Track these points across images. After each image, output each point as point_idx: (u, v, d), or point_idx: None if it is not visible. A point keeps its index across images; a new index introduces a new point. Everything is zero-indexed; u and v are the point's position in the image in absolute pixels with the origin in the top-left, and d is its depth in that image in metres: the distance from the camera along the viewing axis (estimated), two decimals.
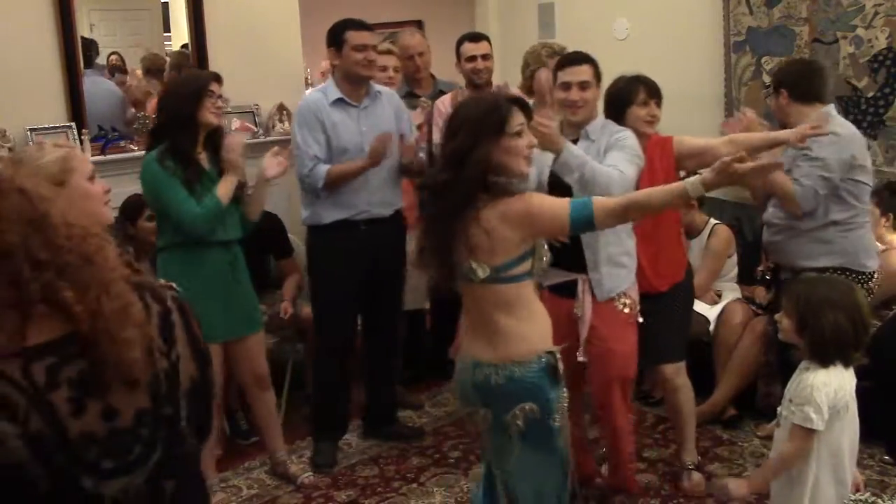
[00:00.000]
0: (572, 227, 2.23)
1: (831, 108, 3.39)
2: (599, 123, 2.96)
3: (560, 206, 2.21)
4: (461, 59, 4.05)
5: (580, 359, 2.92)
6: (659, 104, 3.10)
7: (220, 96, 3.09)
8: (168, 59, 4.63)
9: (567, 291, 2.94)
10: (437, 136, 3.92)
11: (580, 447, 3.19)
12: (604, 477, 3.29)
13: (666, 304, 3.13)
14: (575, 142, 2.86)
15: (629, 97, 3.06)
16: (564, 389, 2.30)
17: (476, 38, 4.12)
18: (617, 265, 2.92)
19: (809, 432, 2.24)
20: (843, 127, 3.33)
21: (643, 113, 3.06)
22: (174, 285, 1.38)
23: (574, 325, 2.93)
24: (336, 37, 3.45)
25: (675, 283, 3.17)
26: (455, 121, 2.29)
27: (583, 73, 2.92)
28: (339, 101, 3.45)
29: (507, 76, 4.31)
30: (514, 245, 2.20)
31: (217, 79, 3.10)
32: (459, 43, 4.09)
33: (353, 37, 3.41)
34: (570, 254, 2.86)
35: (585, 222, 2.20)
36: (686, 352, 3.26)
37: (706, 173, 2.22)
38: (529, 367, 2.22)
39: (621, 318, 2.93)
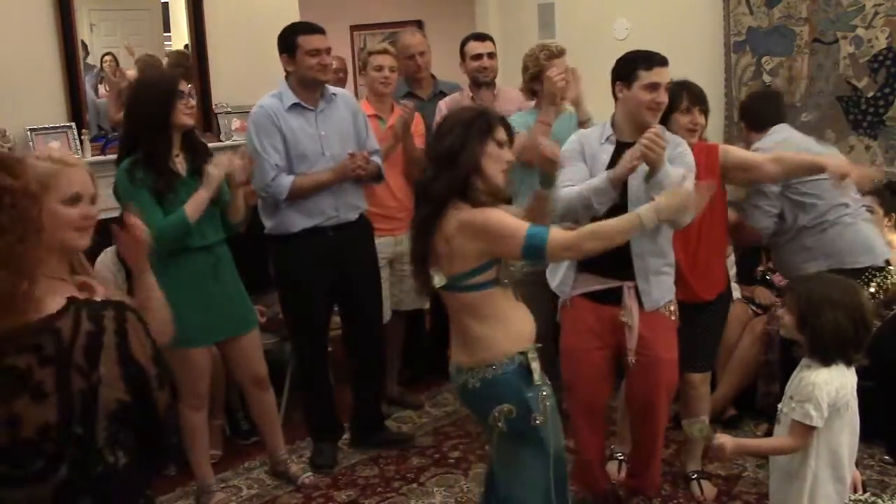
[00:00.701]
0: (524, 254, 2.24)
1: (783, 128, 3.39)
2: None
3: (517, 229, 2.22)
4: (466, 58, 4.04)
5: (631, 360, 2.88)
6: (703, 111, 3.04)
7: (189, 94, 3.02)
8: (167, 58, 4.62)
9: (608, 298, 2.88)
10: None
11: (601, 461, 3.18)
12: (620, 480, 3.29)
13: (709, 314, 3.10)
14: (627, 146, 2.77)
15: (672, 103, 2.94)
16: (545, 388, 2.30)
17: (481, 37, 4.11)
18: (662, 274, 2.88)
19: (808, 429, 2.24)
20: (770, 139, 3.34)
21: (686, 121, 2.99)
22: (126, 301, 1.39)
23: (616, 331, 2.88)
24: (287, 42, 3.40)
25: (719, 292, 3.13)
26: (445, 125, 2.36)
27: (668, 74, 2.81)
28: (295, 106, 3.39)
29: (506, 77, 4.30)
30: (472, 257, 2.23)
31: (184, 76, 3.03)
32: (464, 42, 4.07)
33: (306, 41, 3.35)
34: (611, 261, 2.77)
35: (537, 251, 2.22)
36: (714, 359, 3.26)
37: (659, 199, 2.33)
38: (502, 368, 2.26)
39: (668, 325, 2.91)
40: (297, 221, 3.41)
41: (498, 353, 2.27)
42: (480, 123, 2.29)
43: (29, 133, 3.78)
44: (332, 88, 3.54)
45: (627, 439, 3.40)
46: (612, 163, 2.76)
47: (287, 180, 3.33)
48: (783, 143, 3.28)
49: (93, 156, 3.94)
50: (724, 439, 2.33)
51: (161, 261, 2.95)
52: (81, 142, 3.91)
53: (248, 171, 3.20)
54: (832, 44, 4.29)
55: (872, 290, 3.15)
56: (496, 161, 2.29)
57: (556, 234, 2.24)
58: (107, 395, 1.29)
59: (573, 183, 2.77)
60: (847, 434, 2.32)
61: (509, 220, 2.25)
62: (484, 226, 2.22)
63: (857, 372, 2.35)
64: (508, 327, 2.30)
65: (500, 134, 2.31)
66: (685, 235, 2.97)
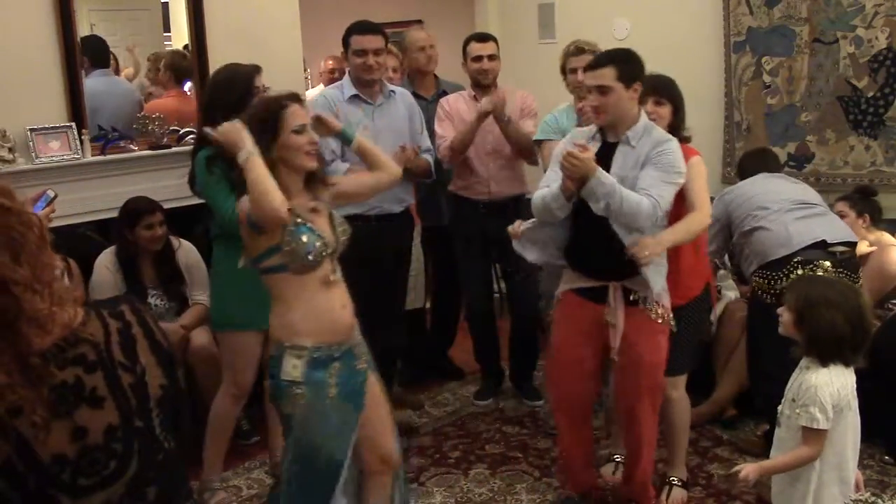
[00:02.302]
0: (250, 227, 2.35)
1: (759, 177, 3.56)
2: (642, 127, 2.83)
3: (242, 213, 2.37)
4: (467, 59, 4.04)
5: (614, 359, 2.89)
6: (660, 102, 2.99)
7: (264, 88, 3.08)
8: (163, 59, 4.62)
9: (595, 296, 2.89)
10: (443, 132, 3.93)
11: (584, 460, 3.17)
12: (612, 481, 3.29)
13: (676, 319, 3.05)
14: (616, 146, 2.82)
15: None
16: (301, 387, 2.34)
17: (483, 38, 4.10)
18: (660, 265, 2.85)
19: (819, 432, 2.24)
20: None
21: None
22: (131, 298, 1.42)
23: (603, 330, 2.89)
24: (344, 40, 3.59)
25: (690, 297, 3.07)
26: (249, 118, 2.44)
27: (600, 77, 2.78)
28: (354, 98, 3.56)
29: (507, 77, 4.30)
30: (257, 239, 2.36)
31: (259, 70, 3.10)
32: (466, 43, 4.07)
33: (355, 41, 3.52)
34: (600, 259, 2.84)
35: (250, 225, 2.35)
36: (689, 365, 3.19)
37: None
38: (275, 352, 2.39)
39: (653, 327, 2.87)
40: (343, 207, 3.44)
41: (273, 335, 2.41)
42: (271, 123, 2.37)
43: (29, 133, 3.77)
44: (391, 86, 3.69)
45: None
46: (599, 162, 2.76)
47: (343, 167, 3.39)
48: (746, 184, 3.53)
49: (93, 155, 3.94)
50: (747, 470, 2.30)
51: (226, 246, 3.03)
52: (81, 142, 3.90)
53: None
54: (832, 44, 4.29)
55: (792, 280, 3.13)
56: (296, 150, 2.39)
57: (241, 203, 2.36)
58: (151, 383, 1.34)
59: (548, 185, 2.85)
60: (850, 434, 2.32)
61: (244, 204, 2.35)
62: (247, 209, 2.34)
63: (857, 372, 2.35)
64: (295, 315, 2.37)
65: (295, 120, 2.39)
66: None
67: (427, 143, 3.75)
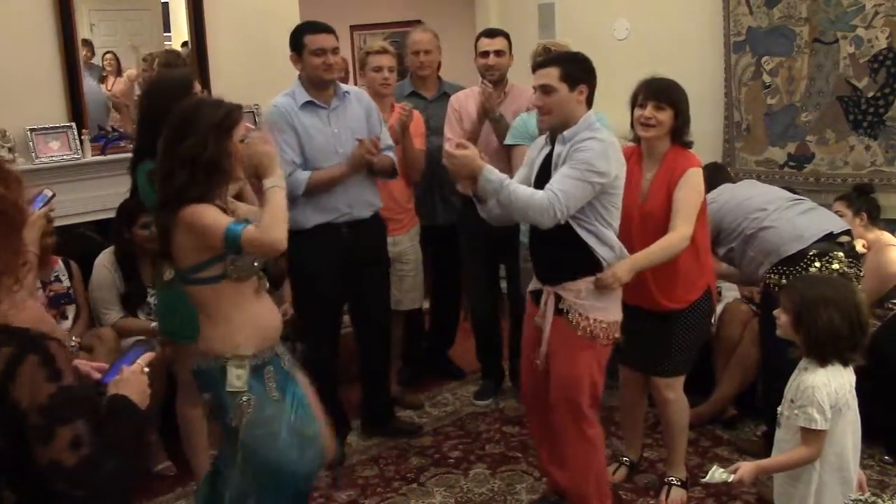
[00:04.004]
0: (225, 247, 2.26)
1: (726, 187, 3.55)
2: (584, 125, 2.76)
3: (217, 226, 2.24)
4: (476, 55, 4.01)
5: (537, 364, 2.87)
6: (661, 107, 2.95)
7: (203, 93, 3.05)
8: (157, 58, 4.60)
9: (539, 298, 2.88)
10: (448, 133, 3.90)
11: (547, 458, 3.13)
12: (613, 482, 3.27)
13: (672, 323, 3.05)
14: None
15: (632, 99, 3.01)
16: (245, 395, 2.32)
17: (492, 33, 4.02)
18: (581, 282, 2.77)
19: (818, 433, 2.23)
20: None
21: (638, 114, 2.98)
22: (47, 343, 1.35)
23: (537, 333, 2.87)
24: (295, 41, 3.43)
25: (689, 301, 3.04)
26: (185, 121, 2.32)
27: (544, 76, 2.76)
28: (308, 104, 3.43)
29: (507, 77, 4.30)
30: (192, 251, 2.29)
31: (195, 75, 3.08)
32: (477, 38, 4.05)
33: (311, 41, 3.38)
34: (541, 263, 2.86)
35: (235, 247, 2.26)
36: (687, 367, 3.18)
37: None
38: (207, 364, 2.36)
39: (574, 340, 2.77)
40: (311, 217, 3.43)
41: (208, 349, 2.35)
42: (226, 123, 2.31)
43: (29, 133, 3.78)
44: (344, 86, 3.58)
45: (633, 444, 3.40)
46: (546, 166, 2.79)
47: (304, 175, 3.36)
48: (725, 192, 3.50)
49: (93, 155, 3.94)
50: (743, 470, 2.28)
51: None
52: (81, 142, 3.91)
53: None
54: (832, 44, 4.29)
55: (812, 273, 3.14)
56: (238, 159, 2.34)
57: (250, 230, 2.25)
58: None
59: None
60: (850, 434, 2.32)
61: (209, 216, 2.26)
62: (190, 222, 2.26)
63: (857, 372, 2.35)
64: (226, 326, 2.33)
65: (242, 129, 2.36)
66: (648, 232, 2.94)
67: (388, 141, 3.64)
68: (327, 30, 3.44)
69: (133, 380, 1.63)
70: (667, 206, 2.92)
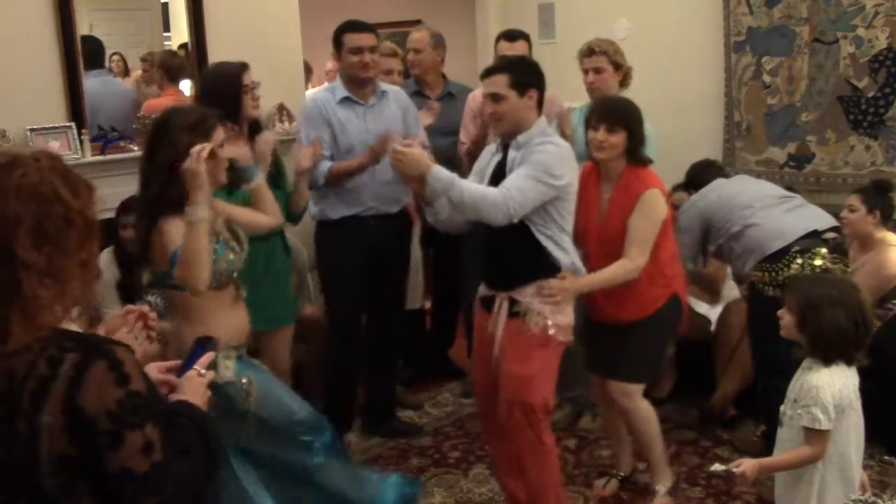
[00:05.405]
0: (170, 262, 2.28)
1: (720, 182, 3.53)
2: (537, 131, 2.76)
3: (170, 247, 2.27)
4: (495, 56, 3.99)
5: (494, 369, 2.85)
6: (614, 130, 2.91)
7: (254, 86, 3.07)
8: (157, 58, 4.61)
9: (489, 304, 2.88)
10: (463, 137, 3.92)
11: (498, 466, 3.08)
12: (599, 495, 3.27)
13: (629, 328, 3.02)
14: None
15: (586, 121, 3.04)
16: (246, 377, 2.39)
17: (512, 36, 3.96)
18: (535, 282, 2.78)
19: (822, 433, 2.23)
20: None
21: (591, 137, 2.97)
22: (114, 349, 1.34)
23: (491, 340, 2.85)
24: (336, 39, 3.53)
25: (644, 315, 3.01)
26: (161, 130, 2.34)
27: (492, 84, 2.75)
28: (345, 100, 3.52)
29: None
30: (166, 258, 2.31)
31: (246, 67, 3.08)
32: (497, 40, 4.02)
33: (349, 39, 3.46)
34: (493, 269, 2.85)
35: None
36: (645, 377, 3.15)
37: None
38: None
39: (528, 339, 2.75)
40: (337, 209, 3.52)
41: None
42: (200, 127, 2.31)
43: (29, 133, 3.77)
44: (383, 85, 3.64)
45: (622, 458, 3.38)
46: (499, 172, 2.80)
47: (325, 166, 3.42)
48: (715, 189, 3.48)
49: (93, 155, 3.93)
50: (745, 466, 2.28)
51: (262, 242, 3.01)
52: (81, 142, 3.90)
53: (316, 156, 3.32)
54: (832, 44, 4.29)
55: (794, 269, 3.14)
56: (218, 164, 2.34)
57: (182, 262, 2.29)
58: (50, 445, 1.27)
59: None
60: (853, 434, 2.32)
61: (170, 233, 2.29)
62: (158, 235, 2.30)
63: (858, 371, 2.35)
64: (205, 327, 2.27)
65: (220, 135, 2.37)
66: (596, 261, 2.95)
67: (424, 140, 3.65)
68: (367, 29, 3.52)
69: (193, 384, 1.61)
70: (622, 229, 2.92)
